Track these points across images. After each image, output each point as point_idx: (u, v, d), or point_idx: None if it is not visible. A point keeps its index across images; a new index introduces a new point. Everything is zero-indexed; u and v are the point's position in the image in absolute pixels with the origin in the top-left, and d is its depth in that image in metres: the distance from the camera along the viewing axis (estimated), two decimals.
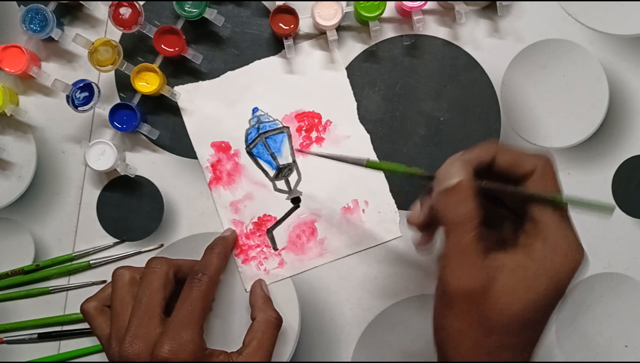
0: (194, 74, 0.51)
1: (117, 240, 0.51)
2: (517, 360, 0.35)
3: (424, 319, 0.50)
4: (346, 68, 0.51)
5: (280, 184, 0.51)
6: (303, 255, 0.51)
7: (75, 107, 0.48)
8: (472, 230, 0.35)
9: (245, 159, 0.51)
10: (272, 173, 0.51)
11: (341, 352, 0.50)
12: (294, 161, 0.51)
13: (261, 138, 0.51)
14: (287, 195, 0.51)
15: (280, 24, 0.49)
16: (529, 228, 0.36)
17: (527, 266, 0.35)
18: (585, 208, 0.36)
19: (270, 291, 0.50)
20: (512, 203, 0.38)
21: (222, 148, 0.51)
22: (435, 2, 0.51)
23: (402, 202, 0.51)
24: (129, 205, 0.51)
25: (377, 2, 0.48)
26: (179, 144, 0.51)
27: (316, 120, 0.51)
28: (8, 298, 0.51)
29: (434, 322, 0.37)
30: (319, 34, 0.51)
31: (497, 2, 0.50)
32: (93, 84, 0.48)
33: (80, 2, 0.50)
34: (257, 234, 0.51)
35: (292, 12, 0.49)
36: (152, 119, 0.51)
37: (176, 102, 0.50)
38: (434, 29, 0.51)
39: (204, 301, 0.42)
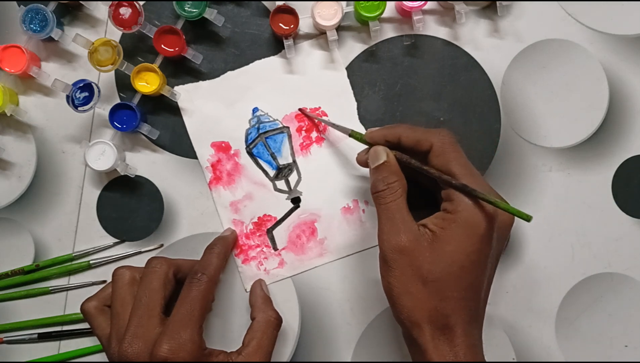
0: (194, 74, 0.51)
1: (117, 240, 0.51)
2: (462, 310, 0.39)
3: None
4: (346, 68, 0.51)
5: (280, 184, 0.51)
6: (303, 255, 0.51)
7: (75, 107, 0.48)
8: (397, 197, 0.41)
9: (245, 159, 0.51)
10: (272, 173, 0.51)
11: (341, 352, 0.50)
12: (294, 161, 0.51)
13: (261, 138, 0.51)
14: (287, 195, 0.51)
15: (280, 24, 0.49)
16: (445, 194, 0.41)
17: (448, 223, 0.39)
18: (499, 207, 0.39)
19: (270, 291, 0.50)
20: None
21: (222, 148, 0.51)
22: (435, 2, 0.51)
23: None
24: (129, 205, 0.51)
25: (377, 2, 0.48)
26: (179, 144, 0.51)
27: (316, 120, 0.51)
28: (8, 298, 0.51)
29: (382, 285, 0.41)
30: (319, 34, 0.51)
31: (497, 2, 0.50)
32: (93, 84, 0.48)
33: (80, 2, 0.50)
34: (257, 234, 0.51)
35: (292, 12, 0.49)
36: (152, 119, 0.51)
37: (176, 102, 0.50)
38: (434, 29, 0.51)
39: (203, 301, 0.42)
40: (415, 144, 0.43)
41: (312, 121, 0.51)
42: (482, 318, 0.42)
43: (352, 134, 0.46)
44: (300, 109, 0.51)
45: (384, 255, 0.40)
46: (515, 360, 0.51)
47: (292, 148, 0.51)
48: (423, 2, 0.49)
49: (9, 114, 0.49)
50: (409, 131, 0.43)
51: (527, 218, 0.37)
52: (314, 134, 0.51)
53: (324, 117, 0.51)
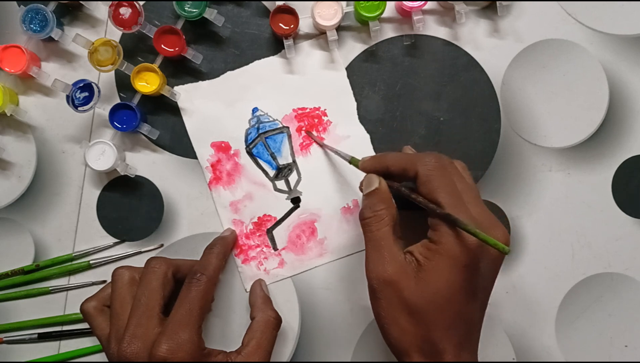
0: (194, 74, 0.51)
1: (117, 240, 0.51)
2: (451, 336, 0.38)
3: None
4: (346, 68, 0.51)
5: (280, 184, 0.51)
6: (303, 255, 0.51)
7: (75, 107, 0.48)
8: (383, 226, 0.41)
9: (245, 159, 0.51)
10: (272, 173, 0.51)
11: (341, 352, 0.50)
12: (294, 161, 0.51)
13: (261, 138, 0.51)
14: (287, 195, 0.51)
15: (280, 24, 0.49)
16: (430, 222, 0.40)
17: (432, 253, 0.39)
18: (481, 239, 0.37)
19: (270, 291, 0.50)
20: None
21: (222, 148, 0.51)
22: (435, 2, 0.51)
23: (402, 202, 0.51)
24: (129, 205, 0.51)
25: (377, 2, 0.48)
26: (179, 144, 0.51)
27: (316, 120, 0.51)
28: (8, 298, 0.51)
29: (372, 312, 0.41)
30: (319, 34, 0.51)
31: (497, 2, 0.50)
32: (93, 84, 0.48)
33: (80, 2, 0.50)
34: (257, 234, 0.51)
35: (292, 12, 0.49)
36: (152, 119, 0.51)
37: (176, 102, 0.50)
38: (434, 29, 0.51)
39: (202, 301, 0.42)
40: (402, 173, 0.42)
41: (317, 142, 0.51)
42: (476, 341, 0.41)
43: (352, 162, 0.46)
44: (306, 131, 0.51)
45: (371, 285, 0.40)
46: (515, 360, 0.51)
47: (291, 148, 0.51)
48: (423, 2, 0.49)
49: (9, 114, 0.49)
50: (396, 159, 0.43)
51: (504, 250, 0.36)
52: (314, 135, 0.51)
53: (327, 143, 0.50)
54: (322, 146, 0.50)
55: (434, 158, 0.41)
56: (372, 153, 0.51)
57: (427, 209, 0.40)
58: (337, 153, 0.48)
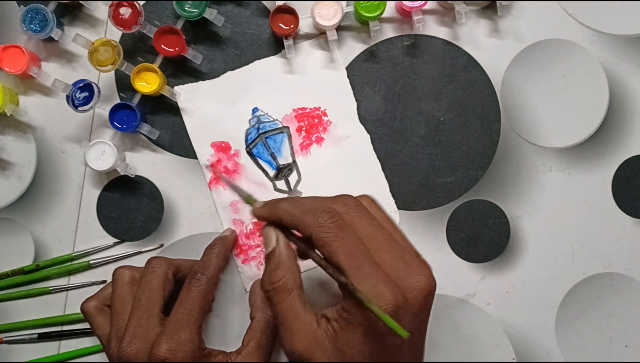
0: (194, 74, 0.51)
1: (117, 240, 0.51)
2: None
3: None
4: (346, 68, 0.51)
5: (280, 184, 0.51)
6: None
7: (75, 107, 0.48)
8: (285, 297, 0.37)
9: (245, 159, 0.51)
10: (272, 173, 0.51)
11: None
12: (294, 161, 0.51)
13: (261, 138, 0.51)
14: (287, 195, 0.51)
15: (280, 24, 0.49)
16: (341, 286, 0.36)
17: (345, 322, 0.35)
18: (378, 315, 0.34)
19: None
20: None
21: (222, 148, 0.51)
22: (435, 2, 0.51)
23: (402, 202, 0.51)
24: (129, 205, 0.51)
25: (377, 2, 0.48)
26: (179, 144, 0.51)
27: (316, 120, 0.51)
28: (8, 298, 0.51)
29: None
30: (319, 34, 0.51)
31: (497, 2, 0.50)
32: (93, 84, 0.48)
33: (80, 2, 0.50)
34: (257, 234, 0.51)
35: (292, 12, 0.49)
36: (152, 119, 0.51)
37: (176, 102, 0.50)
38: (434, 29, 0.51)
39: (202, 301, 0.42)
40: (297, 230, 0.38)
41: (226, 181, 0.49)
42: None
43: (248, 201, 0.42)
44: (221, 173, 0.50)
45: (289, 357, 0.37)
46: (515, 360, 0.51)
47: (292, 148, 0.51)
48: (423, 2, 0.49)
49: (9, 114, 0.49)
50: (288, 213, 0.38)
51: (404, 335, 0.33)
52: (314, 134, 0.51)
53: (229, 178, 0.49)
54: (228, 183, 0.47)
55: (329, 217, 0.36)
56: (373, 153, 0.51)
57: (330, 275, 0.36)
58: (234, 188, 0.44)
